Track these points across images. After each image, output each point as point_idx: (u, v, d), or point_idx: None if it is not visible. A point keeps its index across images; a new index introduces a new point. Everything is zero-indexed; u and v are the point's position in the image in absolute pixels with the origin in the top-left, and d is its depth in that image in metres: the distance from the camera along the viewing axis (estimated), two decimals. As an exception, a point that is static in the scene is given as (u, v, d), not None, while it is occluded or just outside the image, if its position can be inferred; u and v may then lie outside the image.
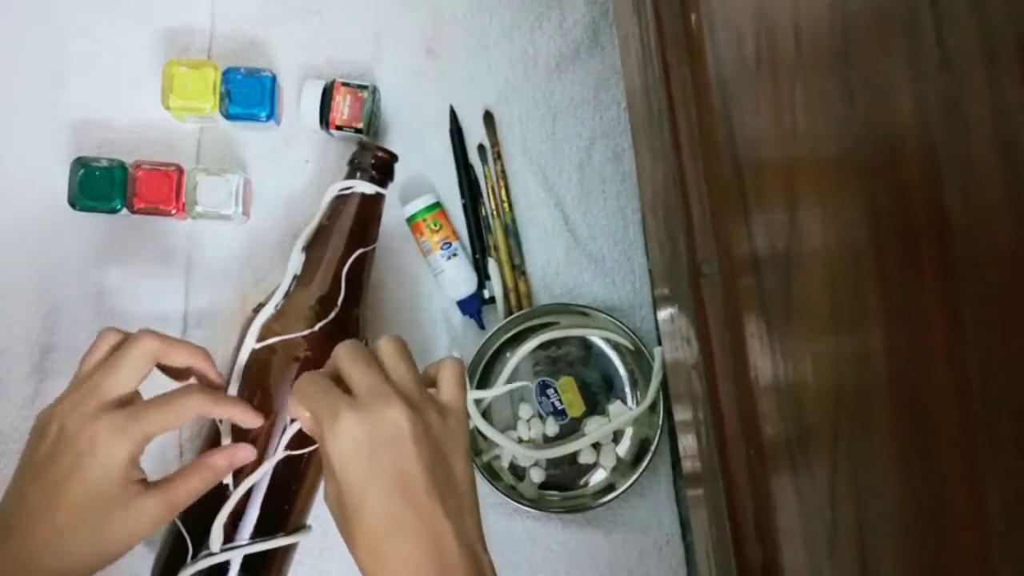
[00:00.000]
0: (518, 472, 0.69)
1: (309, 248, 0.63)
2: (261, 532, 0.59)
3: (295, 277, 0.62)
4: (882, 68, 0.26)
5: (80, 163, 0.67)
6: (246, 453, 0.57)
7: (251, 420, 0.57)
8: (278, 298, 0.61)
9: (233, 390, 0.60)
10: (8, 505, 0.51)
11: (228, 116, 0.68)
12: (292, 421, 0.58)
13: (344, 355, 0.48)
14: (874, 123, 0.28)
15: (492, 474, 0.68)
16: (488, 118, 0.72)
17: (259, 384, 0.60)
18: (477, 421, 0.66)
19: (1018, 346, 0.21)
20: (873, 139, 0.28)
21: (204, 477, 0.54)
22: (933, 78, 0.23)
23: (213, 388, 0.57)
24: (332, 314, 0.61)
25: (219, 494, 0.57)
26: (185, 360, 0.55)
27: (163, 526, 0.55)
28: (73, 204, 0.67)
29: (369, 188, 0.63)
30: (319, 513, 0.67)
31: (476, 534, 0.46)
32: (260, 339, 0.60)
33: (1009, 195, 0.21)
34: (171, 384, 0.56)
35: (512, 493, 0.67)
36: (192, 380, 0.57)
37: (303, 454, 0.59)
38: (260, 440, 0.59)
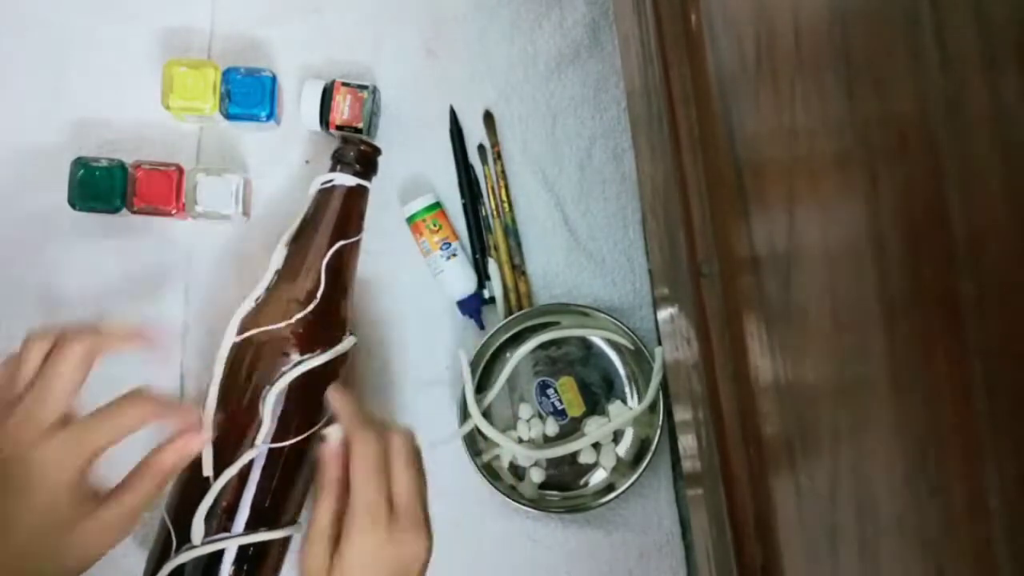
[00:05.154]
0: (518, 472, 0.69)
1: (293, 242, 0.63)
2: (253, 527, 0.59)
3: (277, 272, 0.62)
4: (882, 68, 0.26)
5: (80, 163, 0.67)
6: (197, 442, 0.53)
7: (204, 420, 0.56)
8: (258, 291, 0.61)
9: (215, 384, 0.59)
10: None
11: (228, 116, 0.68)
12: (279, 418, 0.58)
13: (375, 455, 0.51)
14: (874, 123, 0.28)
15: (492, 474, 0.68)
16: (488, 118, 0.72)
17: (241, 378, 0.60)
18: (477, 421, 0.66)
19: (1019, 345, 0.21)
20: (873, 139, 0.28)
21: (155, 480, 0.51)
22: (933, 78, 0.23)
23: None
24: (311, 305, 0.61)
25: (205, 488, 0.57)
26: (125, 345, 0.52)
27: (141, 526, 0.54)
28: (73, 204, 0.67)
29: (351, 180, 0.63)
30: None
31: None
32: (240, 332, 0.60)
33: (1009, 194, 0.21)
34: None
35: (512, 493, 0.67)
36: (137, 386, 0.52)
37: (294, 452, 0.60)
38: (239, 433, 0.59)
